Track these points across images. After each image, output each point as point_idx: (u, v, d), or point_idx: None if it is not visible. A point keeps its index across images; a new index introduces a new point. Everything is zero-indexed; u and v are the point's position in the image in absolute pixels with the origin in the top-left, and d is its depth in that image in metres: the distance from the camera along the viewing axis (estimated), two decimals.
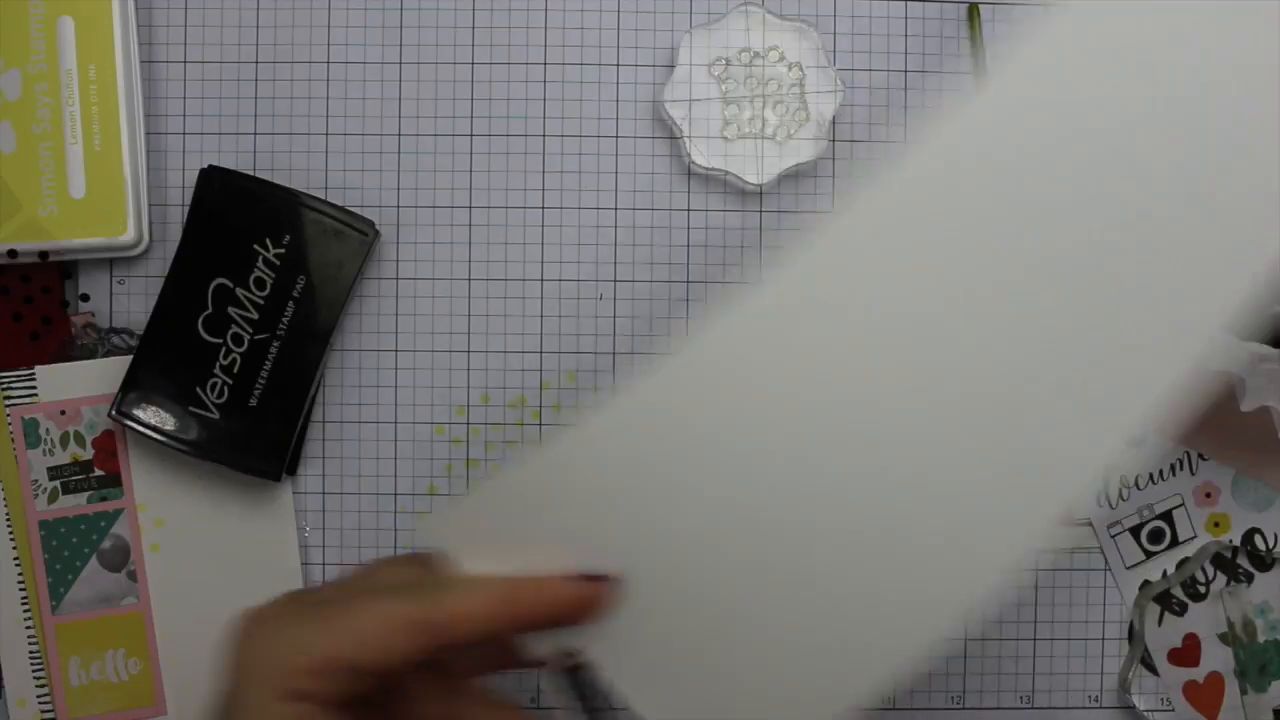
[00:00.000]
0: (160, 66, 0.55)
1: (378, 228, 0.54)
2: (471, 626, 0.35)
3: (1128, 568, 0.57)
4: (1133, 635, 0.57)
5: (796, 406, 0.35)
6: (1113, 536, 0.57)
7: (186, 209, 0.54)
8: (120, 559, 0.55)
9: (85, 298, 0.55)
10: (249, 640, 0.35)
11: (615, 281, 0.56)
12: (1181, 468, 0.57)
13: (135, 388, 0.53)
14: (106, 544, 0.55)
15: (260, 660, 0.35)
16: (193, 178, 0.54)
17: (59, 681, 0.54)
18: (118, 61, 0.53)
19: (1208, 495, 0.57)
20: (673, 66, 0.55)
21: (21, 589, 0.54)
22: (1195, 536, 0.57)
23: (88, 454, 0.54)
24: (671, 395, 0.36)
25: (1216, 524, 0.57)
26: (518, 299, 0.56)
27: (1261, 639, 0.57)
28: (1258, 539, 0.57)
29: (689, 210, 0.56)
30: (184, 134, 0.55)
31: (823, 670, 0.35)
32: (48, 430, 0.54)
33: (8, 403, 0.54)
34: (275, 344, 0.53)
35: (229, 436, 0.53)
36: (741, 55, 0.55)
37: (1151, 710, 0.57)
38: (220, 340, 0.53)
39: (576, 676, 0.36)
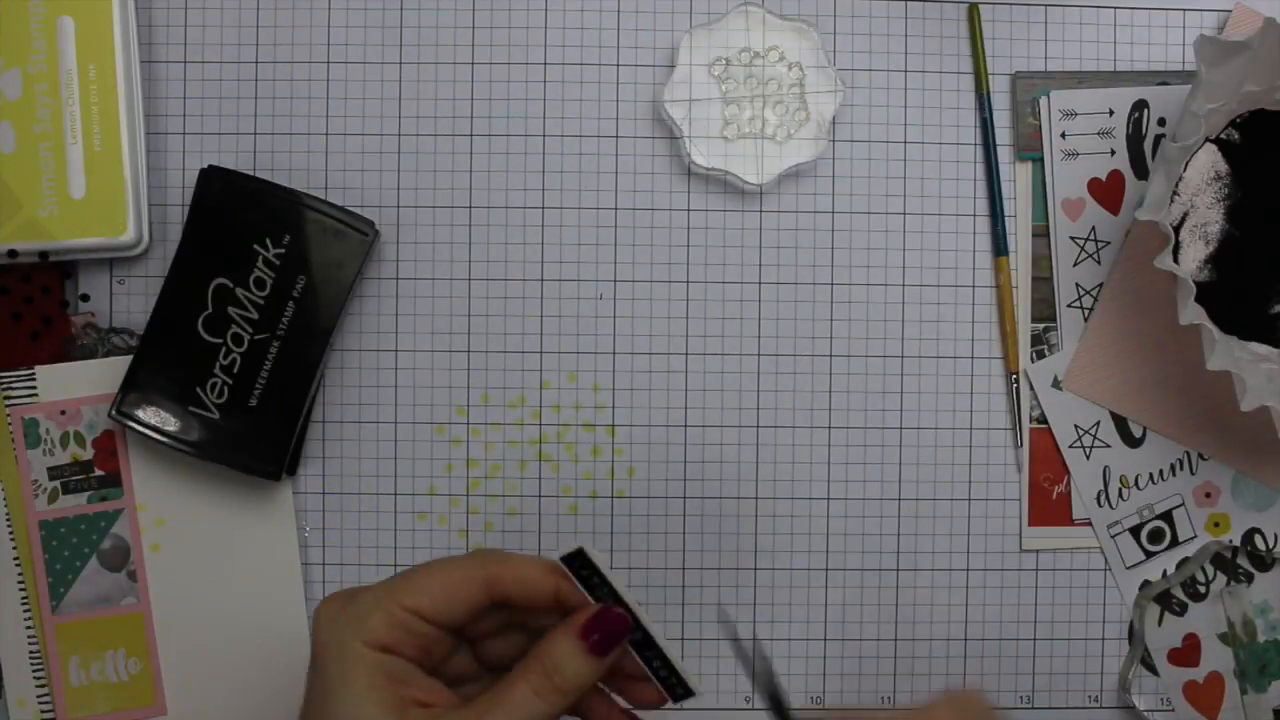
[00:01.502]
0: (160, 66, 0.55)
1: (378, 228, 0.54)
2: (525, 587, 0.40)
3: (1128, 568, 0.57)
4: (1133, 635, 0.57)
5: None
6: (1113, 536, 0.57)
7: (186, 209, 0.54)
8: (120, 559, 0.55)
9: (85, 298, 0.55)
10: (333, 609, 0.39)
11: (615, 281, 0.56)
12: (1181, 468, 0.57)
13: (135, 388, 0.53)
14: (106, 544, 0.55)
15: (346, 622, 0.39)
16: (193, 178, 0.54)
17: (59, 681, 0.54)
18: (118, 61, 0.53)
19: (1208, 495, 0.57)
20: (673, 66, 0.55)
21: (21, 589, 0.54)
22: (1195, 536, 0.57)
23: (88, 454, 0.54)
24: None
25: (1216, 524, 0.57)
26: (518, 299, 0.56)
27: (1261, 639, 0.57)
28: (1258, 539, 0.57)
29: (689, 210, 0.56)
30: (184, 134, 0.55)
31: None
32: (48, 430, 0.54)
33: (8, 403, 0.54)
34: (275, 344, 0.53)
35: (229, 436, 0.53)
36: (741, 55, 0.55)
37: (1151, 710, 0.57)
38: (220, 340, 0.53)
39: (576, 564, 0.40)
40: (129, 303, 0.55)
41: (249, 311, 0.53)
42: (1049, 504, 0.56)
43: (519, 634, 0.42)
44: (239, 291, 0.53)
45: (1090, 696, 0.57)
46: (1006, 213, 0.56)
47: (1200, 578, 0.57)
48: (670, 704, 0.41)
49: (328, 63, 0.55)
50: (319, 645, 0.39)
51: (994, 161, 0.56)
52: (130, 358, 0.53)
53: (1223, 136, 0.53)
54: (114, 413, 0.52)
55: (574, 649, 0.38)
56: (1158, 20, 0.56)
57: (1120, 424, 0.56)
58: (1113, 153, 0.56)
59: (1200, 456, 0.57)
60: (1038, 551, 0.57)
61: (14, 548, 0.54)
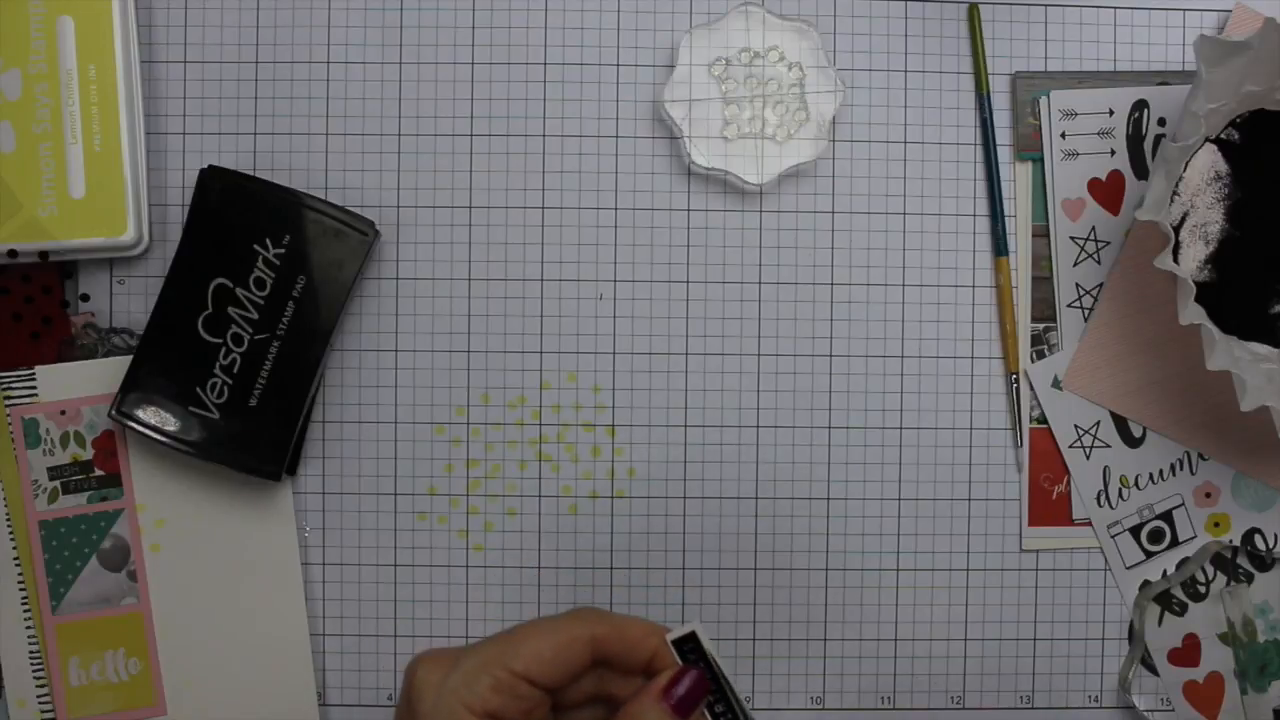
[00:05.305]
0: (160, 66, 0.55)
1: (378, 228, 0.54)
2: (628, 647, 0.39)
3: (1128, 568, 0.57)
4: (1133, 635, 0.57)
5: None
6: (1113, 536, 0.57)
7: (186, 209, 0.54)
8: (120, 559, 0.55)
9: (85, 298, 0.55)
10: (436, 675, 0.38)
11: (615, 281, 0.56)
12: (1181, 468, 0.57)
13: (135, 388, 0.53)
14: (106, 544, 0.55)
15: (453, 689, 0.38)
16: (193, 178, 0.54)
17: (59, 681, 0.54)
18: (118, 61, 0.53)
19: (1208, 495, 0.57)
20: (673, 66, 0.55)
21: (21, 589, 0.54)
22: (1195, 536, 0.57)
23: (88, 454, 0.54)
24: None
25: (1216, 524, 0.57)
26: (518, 299, 0.56)
27: (1261, 639, 0.57)
28: (1258, 539, 0.57)
29: (689, 210, 0.56)
30: (184, 134, 0.55)
31: None
32: (48, 430, 0.54)
33: (8, 403, 0.54)
34: (275, 344, 0.53)
35: (229, 436, 0.53)
36: (741, 55, 0.55)
37: (1151, 710, 0.57)
38: (220, 340, 0.53)
39: (686, 646, 0.39)
40: (129, 303, 0.55)
41: (249, 311, 0.53)
42: (1049, 504, 0.56)
43: (598, 704, 0.42)
44: (239, 291, 0.53)
45: (1090, 696, 0.57)
46: (1006, 213, 0.56)
47: (1200, 578, 0.57)
48: None
49: (328, 63, 0.55)
50: (421, 714, 0.38)
51: (994, 161, 0.56)
52: (130, 358, 0.53)
53: (1223, 136, 0.53)
54: (114, 413, 0.52)
55: (661, 713, 0.38)
56: (1158, 20, 0.57)
57: (1120, 424, 0.56)
58: (1113, 153, 0.56)
59: (1200, 456, 0.57)
60: (1038, 551, 0.57)
61: (14, 548, 0.54)
